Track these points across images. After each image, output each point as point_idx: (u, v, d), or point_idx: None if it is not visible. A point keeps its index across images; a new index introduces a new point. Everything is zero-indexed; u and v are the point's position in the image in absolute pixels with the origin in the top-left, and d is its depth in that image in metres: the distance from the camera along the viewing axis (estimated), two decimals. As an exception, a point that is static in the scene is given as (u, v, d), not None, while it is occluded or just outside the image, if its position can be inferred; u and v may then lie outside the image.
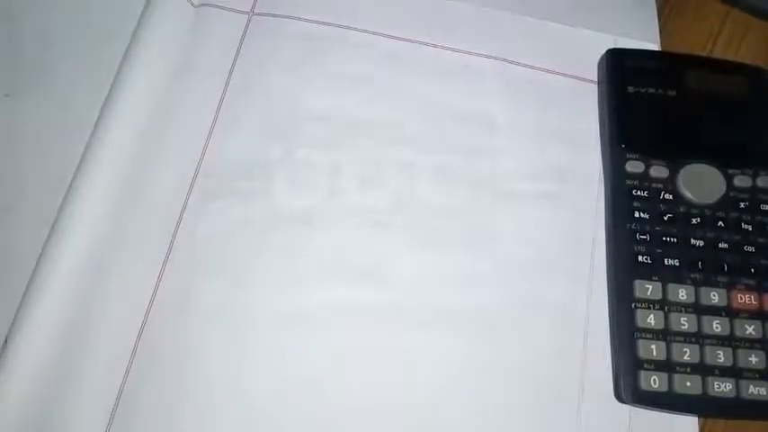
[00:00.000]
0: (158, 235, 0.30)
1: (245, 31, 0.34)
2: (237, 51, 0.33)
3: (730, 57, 0.36)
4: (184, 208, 0.31)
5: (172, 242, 0.30)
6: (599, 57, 0.34)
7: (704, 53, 0.36)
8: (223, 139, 0.32)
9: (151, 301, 0.29)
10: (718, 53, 0.36)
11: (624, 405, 0.28)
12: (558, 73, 0.34)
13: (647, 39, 0.35)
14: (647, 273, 0.29)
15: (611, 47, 0.34)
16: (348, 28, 0.34)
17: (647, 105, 0.32)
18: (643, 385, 0.28)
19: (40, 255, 0.29)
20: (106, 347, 0.28)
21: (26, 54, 0.34)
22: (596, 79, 0.34)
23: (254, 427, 0.27)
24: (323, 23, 0.34)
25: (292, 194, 0.31)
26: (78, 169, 0.30)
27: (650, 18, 0.36)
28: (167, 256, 0.30)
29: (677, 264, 0.29)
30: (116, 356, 0.28)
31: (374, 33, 0.34)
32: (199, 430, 0.27)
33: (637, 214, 0.30)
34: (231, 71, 0.33)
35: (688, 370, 0.28)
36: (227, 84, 0.33)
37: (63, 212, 0.29)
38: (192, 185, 0.31)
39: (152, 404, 0.28)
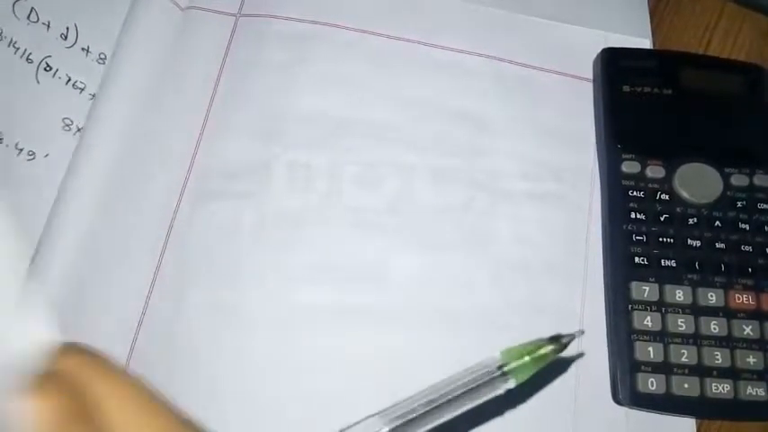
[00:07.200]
0: (151, 238, 0.30)
1: (232, 33, 0.33)
2: (226, 53, 0.33)
3: (726, 51, 0.35)
4: (176, 211, 0.30)
5: (165, 245, 0.30)
6: (590, 53, 0.34)
7: (700, 48, 0.36)
8: (214, 140, 0.31)
9: (145, 304, 0.29)
10: (714, 47, 0.36)
11: (621, 407, 0.28)
12: (549, 70, 0.34)
13: (638, 34, 0.34)
14: (644, 274, 0.29)
15: (602, 43, 0.34)
16: (337, 26, 0.34)
17: (643, 105, 0.32)
18: (640, 387, 0.28)
19: (32, 259, 0.28)
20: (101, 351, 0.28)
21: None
22: (587, 76, 0.34)
23: (250, 428, 0.27)
24: (312, 22, 0.33)
25: (285, 195, 0.31)
26: (68, 173, 0.30)
27: (641, 14, 0.35)
28: (160, 259, 0.30)
29: (674, 264, 0.29)
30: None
31: (364, 31, 0.34)
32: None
33: (633, 215, 0.30)
34: (220, 73, 0.33)
35: (686, 371, 0.28)
36: (216, 86, 0.32)
37: (54, 216, 0.29)
38: (183, 188, 0.31)
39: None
